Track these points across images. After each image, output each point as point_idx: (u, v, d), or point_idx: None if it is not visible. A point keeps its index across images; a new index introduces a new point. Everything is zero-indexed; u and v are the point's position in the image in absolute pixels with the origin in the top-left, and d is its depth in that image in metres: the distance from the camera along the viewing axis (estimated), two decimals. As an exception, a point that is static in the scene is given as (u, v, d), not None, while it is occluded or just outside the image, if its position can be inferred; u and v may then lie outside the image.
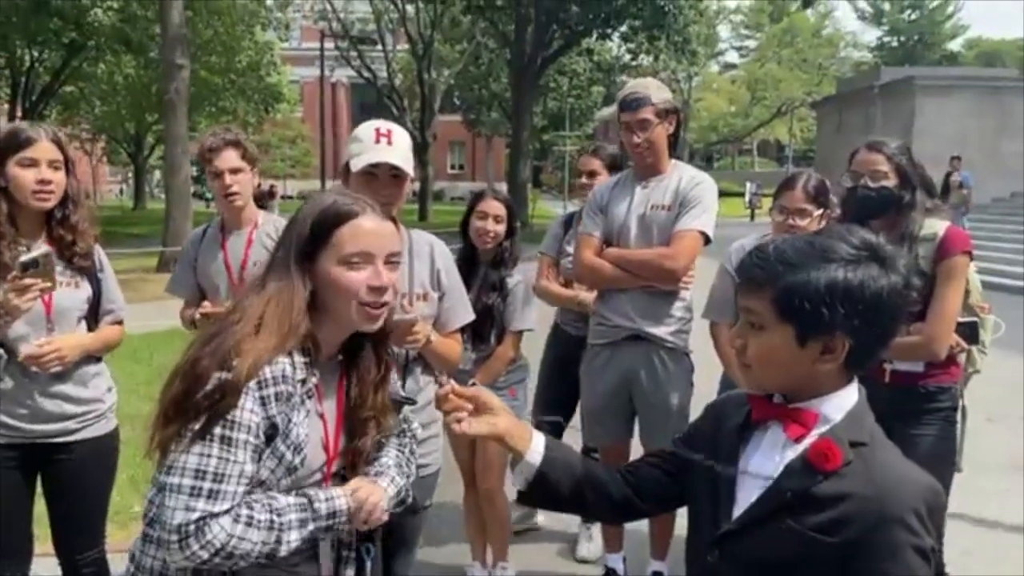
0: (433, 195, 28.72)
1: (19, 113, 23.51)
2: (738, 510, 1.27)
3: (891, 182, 2.59)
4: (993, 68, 35.86)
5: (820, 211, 2.83)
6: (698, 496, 1.37)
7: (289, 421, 1.40)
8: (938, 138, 19.25)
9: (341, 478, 1.54)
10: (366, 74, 31.18)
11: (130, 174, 41.02)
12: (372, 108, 45.63)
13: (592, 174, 3.59)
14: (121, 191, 43.87)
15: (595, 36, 25.52)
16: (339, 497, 1.45)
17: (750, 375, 1.30)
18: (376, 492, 1.51)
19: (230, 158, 2.77)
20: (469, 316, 2.42)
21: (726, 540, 1.27)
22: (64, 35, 19.39)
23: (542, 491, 1.42)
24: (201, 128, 28.08)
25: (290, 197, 39.63)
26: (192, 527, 1.32)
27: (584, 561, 3.61)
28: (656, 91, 2.95)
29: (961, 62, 48.02)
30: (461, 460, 3.26)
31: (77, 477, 2.38)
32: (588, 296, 3.34)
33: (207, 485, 1.33)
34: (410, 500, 1.65)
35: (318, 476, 1.49)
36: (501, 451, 3.05)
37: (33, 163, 2.20)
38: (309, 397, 1.43)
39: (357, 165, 2.10)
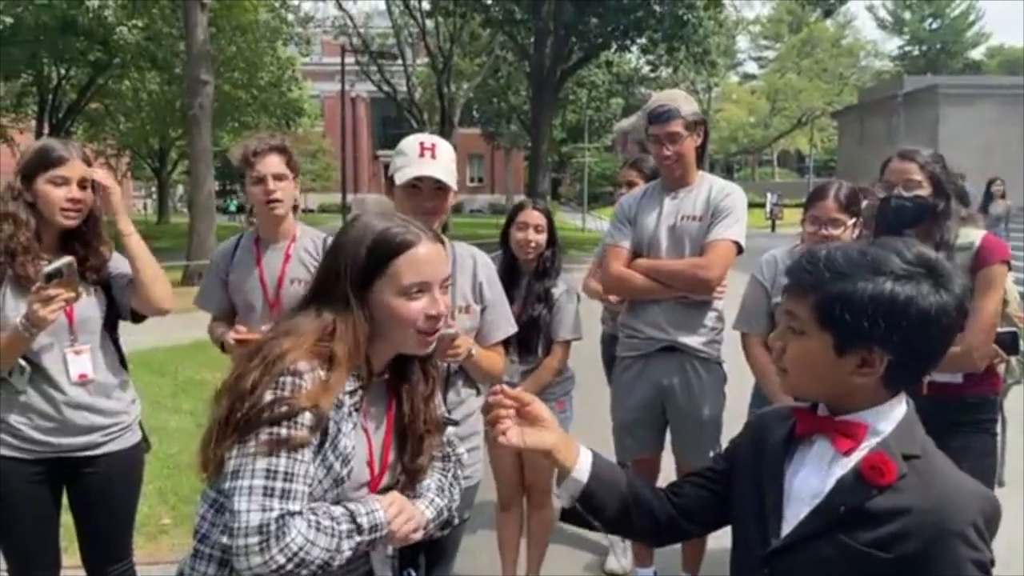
0: (453, 208, 28.78)
1: (46, 130, 23.90)
2: (787, 527, 1.25)
3: (925, 191, 2.56)
4: (1017, 76, 35.50)
5: (852, 220, 2.80)
6: (743, 514, 1.34)
7: (339, 431, 1.39)
8: (963, 147, 19.00)
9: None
10: (386, 88, 31.39)
11: (154, 188, 41.54)
12: (392, 122, 46.02)
13: (631, 184, 3.62)
14: (145, 205, 44.48)
15: (614, 48, 25.47)
16: (378, 510, 1.44)
17: (786, 379, 1.29)
18: (407, 509, 1.48)
19: (274, 163, 2.64)
20: (511, 329, 2.41)
21: (776, 557, 1.25)
22: (90, 53, 19.70)
23: (587, 509, 1.38)
24: (224, 143, 28.47)
25: (311, 211, 39.97)
26: (273, 526, 1.29)
27: (613, 575, 3.57)
28: (685, 103, 2.95)
29: (984, 70, 47.56)
30: (503, 474, 3.22)
31: (104, 491, 2.38)
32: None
33: (279, 485, 1.31)
34: (456, 521, 1.63)
35: (363, 492, 1.47)
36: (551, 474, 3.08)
37: (65, 182, 2.21)
38: (356, 410, 1.43)
39: (401, 178, 2.15)
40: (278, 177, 2.64)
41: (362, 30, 31.03)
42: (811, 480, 1.24)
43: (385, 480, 1.50)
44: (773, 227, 29.49)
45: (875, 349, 1.17)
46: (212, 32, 16.96)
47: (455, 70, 29.88)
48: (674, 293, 2.93)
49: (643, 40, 24.08)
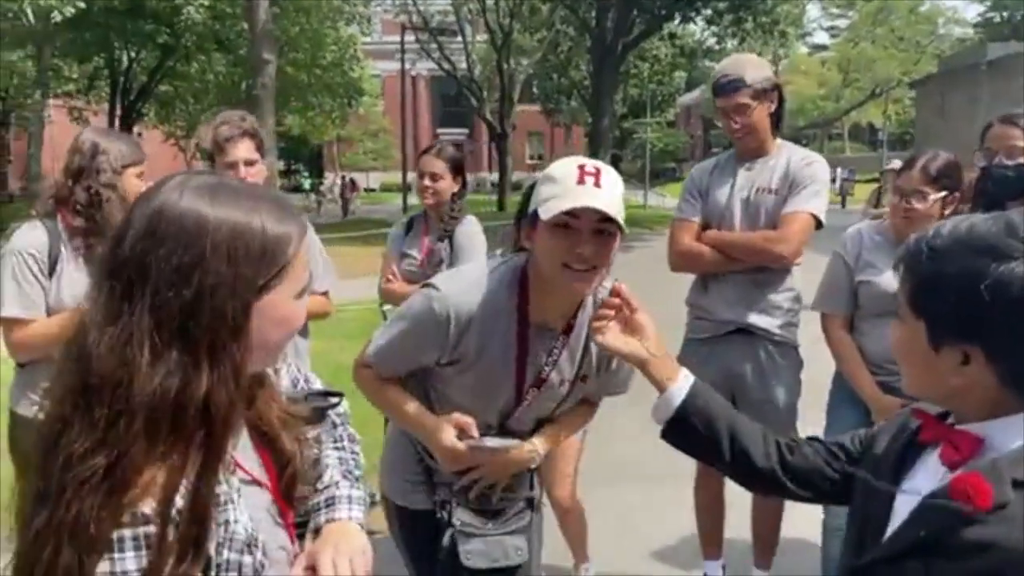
0: (511, 186, 28.68)
1: (119, 112, 24.64)
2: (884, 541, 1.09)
3: (1031, 159, 2.32)
4: (1111, 41, 33.38)
5: (942, 194, 2.54)
6: (853, 512, 1.20)
7: (229, 522, 1.02)
8: (1052, 117, 18.00)
9: (303, 525, 1.24)
10: (446, 66, 31.37)
11: (221, 169, 42.66)
12: (452, 100, 46.12)
13: (434, 176, 3.32)
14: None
15: (678, 20, 24.91)
16: None
17: (902, 374, 1.13)
18: (340, 552, 1.17)
19: (245, 149, 2.66)
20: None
21: (862, 573, 1.10)
22: (158, 36, 20.15)
23: (675, 434, 1.38)
24: (287, 123, 28.91)
25: (372, 189, 40.44)
26: None
27: None
28: (752, 69, 2.74)
29: (1074, 36, 44.88)
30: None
31: None
32: None
33: None
34: (376, 495, 1.46)
35: (283, 535, 1.16)
36: (571, 461, 2.95)
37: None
38: (232, 473, 1.05)
39: (548, 212, 1.56)
40: (249, 163, 2.69)
41: (421, 7, 31.00)
42: (917, 494, 1.07)
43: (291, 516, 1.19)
44: (843, 203, 28.54)
45: (974, 344, 0.99)
46: (275, 13, 17.13)
47: (515, 46, 29.64)
48: (742, 267, 2.75)
49: (708, 11, 23.50)
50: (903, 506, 1.08)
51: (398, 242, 3.53)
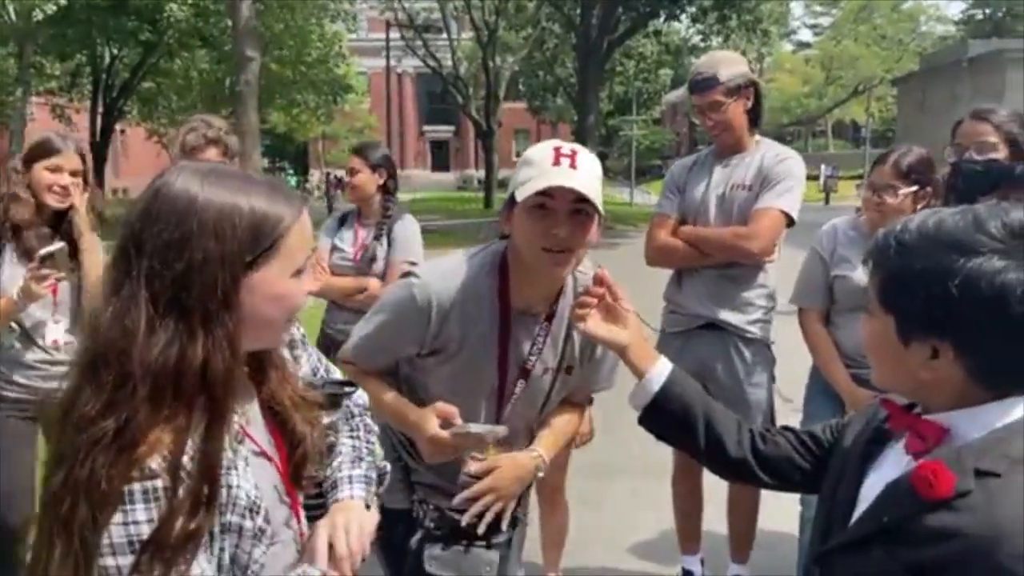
0: (497, 183, 28.65)
1: (101, 109, 24.40)
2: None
3: (1000, 154, 2.35)
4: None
5: (913, 188, 2.56)
6: (822, 501, 1.21)
7: (232, 487, 1.07)
8: (1032, 114, 18.18)
9: (313, 508, 1.29)
10: (431, 63, 31.27)
11: (205, 167, 42.33)
12: (438, 97, 45.96)
13: (351, 171, 3.47)
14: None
15: (663, 17, 24.91)
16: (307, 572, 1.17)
17: (872, 368, 1.14)
18: (337, 528, 1.22)
19: (212, 156, 2.69)
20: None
21: (826, 559, 1.12)
22: (141, 33, 19.98)
23: (651, 421, 1.40)
24: (273, 120, 28.71)
25: (358, 187, 40.16)
26: None
27: None
28: (725, 67, 2.77)
29: (1054, 34, 45.28)
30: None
31: None
32: (375, 283, 3.25)
33: None
34: (387, 473, 1.43)
35: (287, 514, 1.20)
36: (565, 451, 2.94)
37: (58, 169, 2.53)
38: (240, 442, 1.11)
39: (525, 192, 1.56)
40: None
41: (407, 4, 30.90)
42: (882, 482, 1.08)
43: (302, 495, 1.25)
44: (827, 199, 28.68)
45: (946, 339, 0.99)
46: (259, 9, 17.02)
47: (501, 43, 29.57)
48: (714, 262, 2.79)
49: (693, 8, 23.51)
50: (869, 493, 1.09)
51: (330, 234, 3.54)
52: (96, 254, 2.57)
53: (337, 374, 1.41)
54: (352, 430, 1.39)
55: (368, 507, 1.31)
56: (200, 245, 1.00)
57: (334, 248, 3.45)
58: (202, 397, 1.01)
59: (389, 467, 1.45)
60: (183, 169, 1.07)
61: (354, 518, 1.26)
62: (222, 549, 1.04)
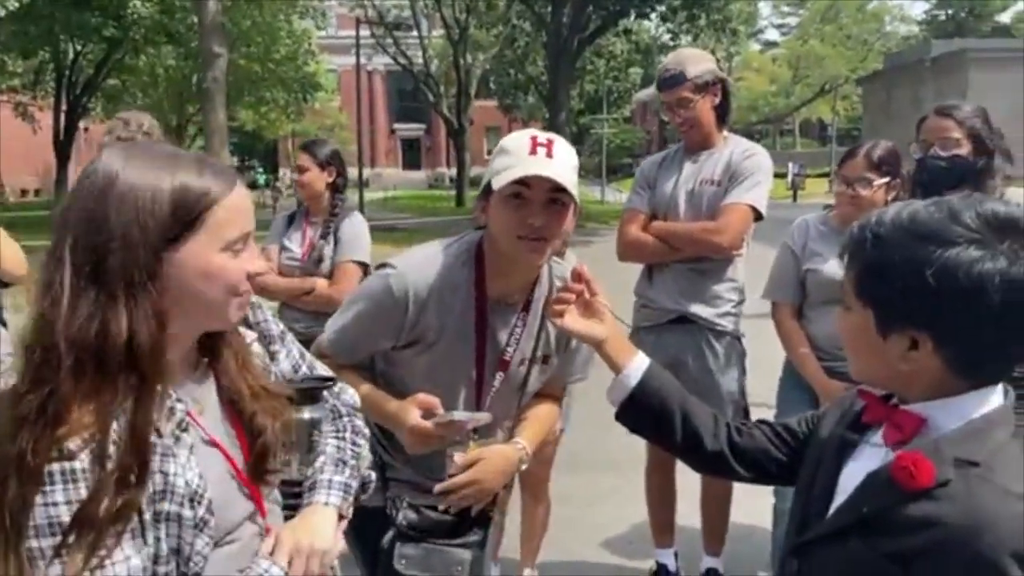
0: (469, 181, 28.61)
1: (64, 107, 23.95)
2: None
3: (964, 150, 2.39)
4: (1049, 39, 34.47)
5: (886, 179, 2.61)
6: (798, 492, 1.21)
7: (168, 474, 1.04)
8: (993, 113, 18.44)
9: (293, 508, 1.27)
10: (402, 61, 31.12)
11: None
12: (409, 95, 45.76)
13: (300, 169, 3.44)
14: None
15: (633, 16, 25.06)
16: (268, 570, 1.14)
17: (849, 361, 1.14)
18: (302, 540, 1.19)
19: None
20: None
21: (803, 550, 1.12)
22: (105, 29, 19.63)
23: (631, 414, 1.39)
24: (241, 118, 28.34)
25: (329, 185, 39.80)
26: None
27: None
28: (692, 64, 2.80)
29: (1014, 34, 46.29)
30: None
31: None
32: (322, 282, 3.23)
33: None
34: (371, 483, 1.40)
35: (249, 509, 1.17)
36: (550, 443, 2.94)
37: None
38: (184, 430, 1.08)
39: (501, 181, 1.55)
40: None
41: (377, 1, 30.71)
42: (860, 473, 1.09)
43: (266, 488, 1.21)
44: (795, 197, 29.05)
45: (923, 330, 1.00)
46: (226, 5, 16.80)
47: (471, 41, 29.54)
48: (684, 256, 2.81)
49: (662, 7, 23.67)
50: (847, 483, 1.10)
51: (279, 234, 3.49)
52: None
53: (319, 369, 1.38)
54: (338, 431, 1.35)
55: (342, 517, 1.28)
56: (119, 220, 1.01)
57: (283, 248, 3.40)
58: (132, 374, 1.00)
59: (374, 476, 1.42)
60: (111, 149, 1.09)
61: (317, 540, 1.20)
62: (158, 539, 1.02)
